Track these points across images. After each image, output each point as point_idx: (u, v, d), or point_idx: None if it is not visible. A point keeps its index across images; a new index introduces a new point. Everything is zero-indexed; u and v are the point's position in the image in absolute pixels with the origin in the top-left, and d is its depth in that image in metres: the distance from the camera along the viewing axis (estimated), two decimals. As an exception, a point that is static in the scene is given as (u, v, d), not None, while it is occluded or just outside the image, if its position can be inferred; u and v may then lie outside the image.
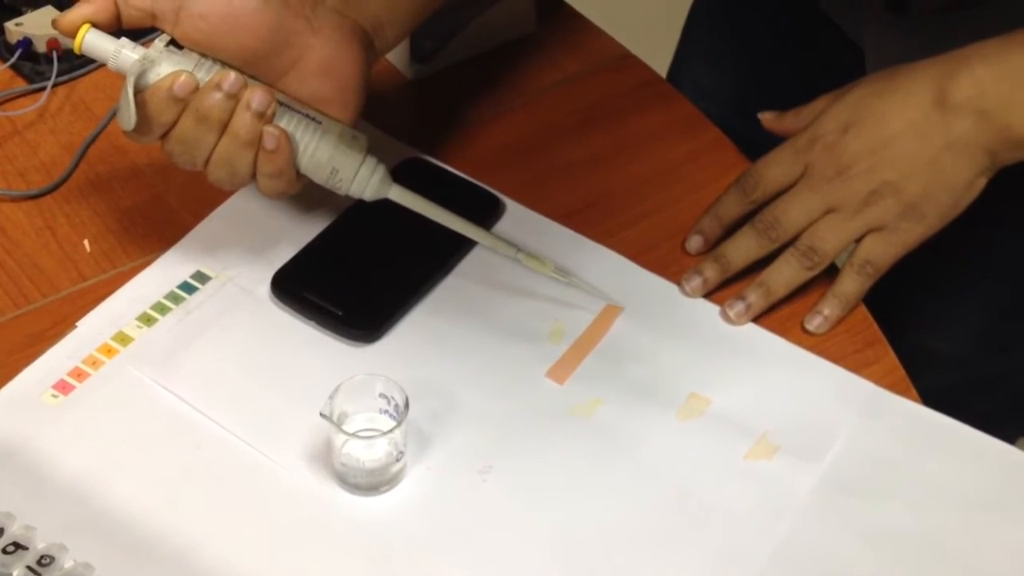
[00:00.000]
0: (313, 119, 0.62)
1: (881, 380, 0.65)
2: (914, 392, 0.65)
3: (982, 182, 0.65)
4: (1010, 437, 0.89)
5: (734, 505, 0.60)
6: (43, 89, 0.79)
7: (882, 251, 0.67)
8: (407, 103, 0.81)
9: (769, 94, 0.75)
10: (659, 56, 0.98)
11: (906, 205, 0.65)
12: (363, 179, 0.64)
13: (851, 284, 0.67)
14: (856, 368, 0.66)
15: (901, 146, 0.65)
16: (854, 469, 0.61)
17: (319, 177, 0.63)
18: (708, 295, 0.69)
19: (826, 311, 0.68)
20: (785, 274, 0.67)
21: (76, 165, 0.75)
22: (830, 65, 0.82)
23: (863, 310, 0.69)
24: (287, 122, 0.62)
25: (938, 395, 0.67)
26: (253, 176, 0.62)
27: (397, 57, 0.83)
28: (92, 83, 0.80)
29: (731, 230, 0.70)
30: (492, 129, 0.79)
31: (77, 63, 0.80)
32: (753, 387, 0.65)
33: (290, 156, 0.62)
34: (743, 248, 0.68)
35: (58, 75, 0.79)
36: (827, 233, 0.67)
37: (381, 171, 0.64)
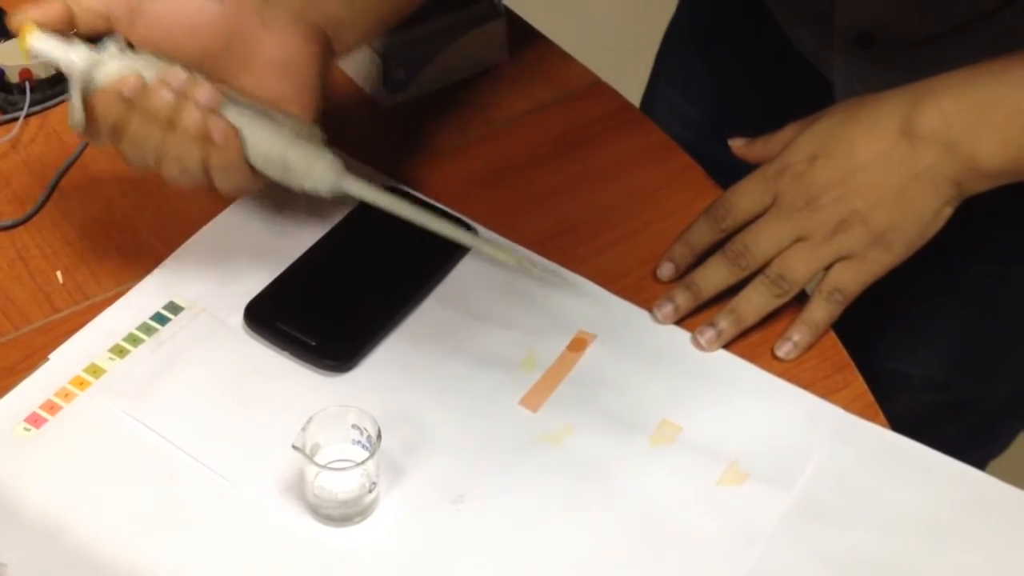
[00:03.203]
0: (267, 115, 0.63)
1: (850, 405, 0.66)
2: (883, 417, 0.66)
3: (948, 211, 0.66)
4: (981, 459, 0.90)
5: (705, 532, 0.60)
6: (15, 120, 0.79)
7: (851, 279, 0.67)
8: (380, 132, 0.81)
9: (742, 119, 0.76)
10: (631, 83, 0.99)
11: (874, 234, 0.66)
12: (318, 173, 0.64)
13: (820, 311, 0.68)
14: (825, 394, 0.66)
15: (868, 176, 0.66)
16: (824, 495, 0.62)
17: (274, 172, 0.64)
18: (679, 322, 0.69)
19: (796, 337, 0.68)
20: (754, 302, 0.68)
21: (48, 196, 0.75)
22: (801, 93, 0.83)
23: (832, 336, 0.70)
24: (236, 116, 0.62)
25: (909, 418, 0.68)
26: (207, 172, 0.63)
27: (370, 85, 0.83)
28: (65, 114, 0.80)
29: (702, 257, 0.71)
30: (464, 157, 0.80)
31: (50, 94, 0.81)
32: (724, 413, 0.66)
33: (239, 149, 0.62)
34: (714, 276, 0.69)
35: (31, 106, 0.79)
36: (796, 261, 0.67)
37: (337, 166, 0.65)
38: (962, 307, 0.83)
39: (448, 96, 0.84)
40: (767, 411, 0.66)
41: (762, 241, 0.68)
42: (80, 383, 0.64)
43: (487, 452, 0.63)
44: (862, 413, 0.65)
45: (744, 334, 0.69)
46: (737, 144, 0.73)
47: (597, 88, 0.85)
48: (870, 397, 0.67)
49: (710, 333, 0.68)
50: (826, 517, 0.61)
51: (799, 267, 0.67)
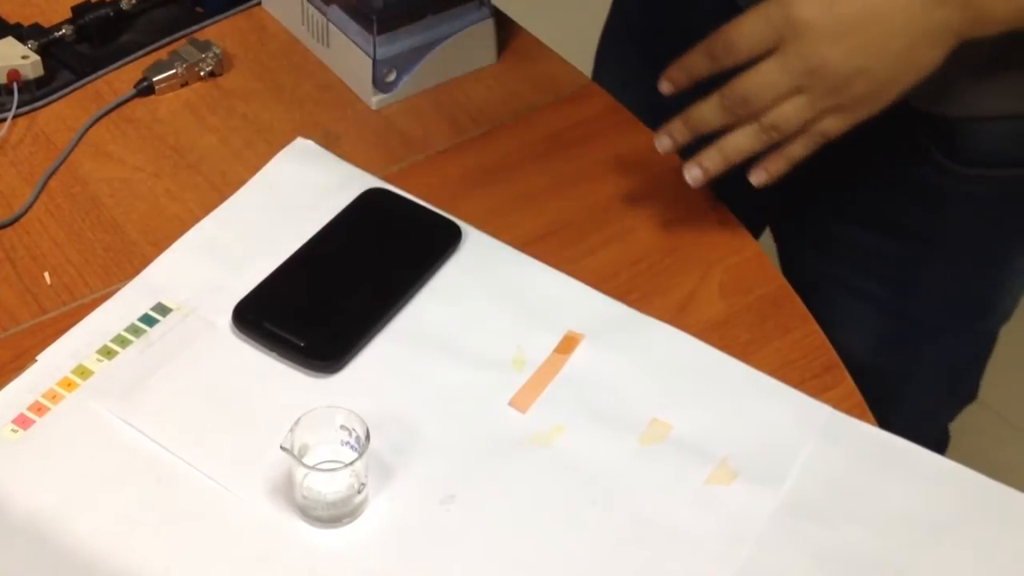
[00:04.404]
0: None
1: (839, 404, 0.66)
2: (871, 416, 0.66)
3: (942, 59, 0.66)
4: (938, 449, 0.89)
5: (695, 531, 0.60)
6: (3, 120, 0.78)
7: (837, 125, 0.67)
8: (370, 132, 0.81)
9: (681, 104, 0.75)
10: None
11: (873, 89, 0.66)
12: None
13: (801, 149, 0.69)
14: (815, 393, 0.66)
15: (879, 29, 0.65)
16: (813, 493, 0.62)
17: None
18: (676, 321, 0.69)
19: (771, 167, 0.69)
20: (743, 145, 0.69)
21: (36, 197, 0.75)
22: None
23: (821, 335, 0.70)
24: None
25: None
26: None
27: (360, 86, 0.83)
28: (53, 114, 0.80)
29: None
30: (454, 158, 0.80)
31: (38, 95, 0.80)
32: (714, 412, 0.66)
33: None
34: (710, 117, 0.69)
35: (18, 106, 0.79)
36: (791, 114, 0.67)
37: None
38: (879, 286, 0.83)
39: (438, 97, 0.84)
40: (756, 409, 0.66)
41: (763, 94, 0.67)
42: (68, 384, 0.64)
43: (477, 452, 0.63)
44: (851, 412, 0.65)
45: (735, 334, 0.69)
46: None
47: (587, 89, 0.85)
48: (859, 396, 0.67)
49: (696, 171, 0.70)
50: (815, 515, 0.61)
51: (793, 120, 0.67)
